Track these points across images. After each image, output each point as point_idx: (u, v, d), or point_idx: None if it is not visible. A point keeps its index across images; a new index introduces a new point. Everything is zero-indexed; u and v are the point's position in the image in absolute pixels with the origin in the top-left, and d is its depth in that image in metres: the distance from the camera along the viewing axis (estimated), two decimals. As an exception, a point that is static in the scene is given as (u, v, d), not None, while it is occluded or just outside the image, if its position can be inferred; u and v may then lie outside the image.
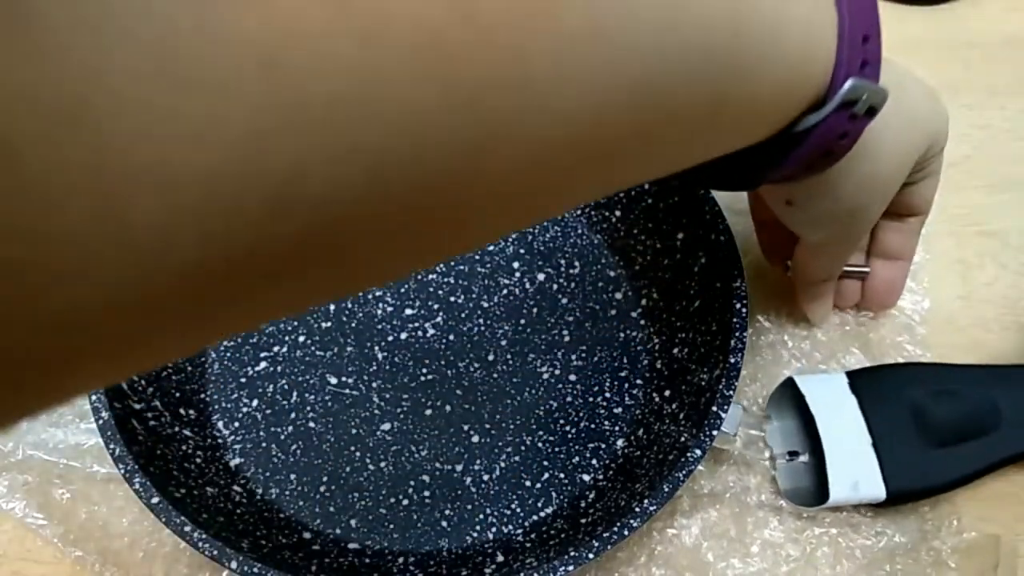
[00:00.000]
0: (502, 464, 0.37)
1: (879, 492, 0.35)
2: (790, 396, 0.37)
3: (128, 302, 0.12)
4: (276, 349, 0.39)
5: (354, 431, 0.37)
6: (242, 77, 0.11)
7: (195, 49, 0.11)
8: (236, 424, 0.37)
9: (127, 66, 0.10)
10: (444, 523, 0.36)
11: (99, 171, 0.10)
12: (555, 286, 0.41)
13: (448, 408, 0.38)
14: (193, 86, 0.11)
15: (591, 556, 0.30)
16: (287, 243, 0.13)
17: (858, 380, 0.37)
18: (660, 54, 0.17)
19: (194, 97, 0.11)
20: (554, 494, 0.36)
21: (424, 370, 0.39)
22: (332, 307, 0.40)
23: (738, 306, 0.35)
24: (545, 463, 0.37)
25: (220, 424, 0.37)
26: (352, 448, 0.37)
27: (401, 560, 0.34)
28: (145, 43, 0.11)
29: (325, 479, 0.36)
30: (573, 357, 0.39)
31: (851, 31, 0.24)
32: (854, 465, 0.35)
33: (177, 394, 0.36)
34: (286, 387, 0.38)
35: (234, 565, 0.29)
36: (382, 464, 0.37)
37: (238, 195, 0.12)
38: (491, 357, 0.39)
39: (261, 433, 0.37)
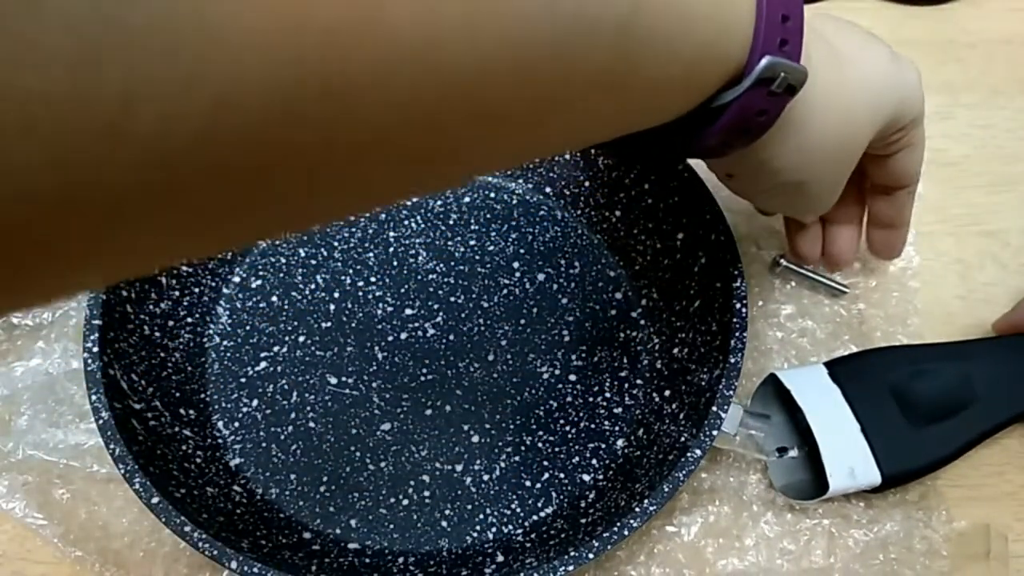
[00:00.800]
0: (502, 464, 0.37)
1: (875, 477, 0.35)
2: (773, 392, 0.37)
3: None
4: (276, 349, 0.39)
5: (354, 431, 0.37)
6: (70, 3, 0.11)
7: None
8: (236, 424, 0.37)
9: None
10: (444, 523, 0.36)
11: None
12: (555, 286, 0.41)
13: (448, 408, 0.38)
14: (15, 5, 0.11)
15: (591, 556, 0.30)
16: (129, 177, 0.13)
17: (837, 368, 0.37)
18: (548, 20, 0.17)
19: (17, 17, 0.11)
20: (554, 494, 0.36)
21: (424, 370, 0.39)
22: (332, 307, 0.40)
23: (738, 306, 0.35)
24: (545, 463, 0.37)
25: (220, 424, 0.37)
26: (352, 448, 0.37)
27: (401, 560, 0.35)
28: None
29: (325, 479, 0.36)
30: (573, 357, 0.39)
31: (769, 10, 0.24)
32: (847, 452, 0.35)
33: (177, 394, 0.36)
34: (286, 387, 0.38)
35: (234, 565, 0.29)
36: (382, 464, 0.37)
37: (78, 121, 0.12)
38: (491, 357, 0.39)
39: (261, 433, 0.37)
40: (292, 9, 0.13)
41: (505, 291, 0.41)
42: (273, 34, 0.13)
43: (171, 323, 0.38)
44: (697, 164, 0.38)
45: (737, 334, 0.34)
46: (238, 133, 0.14)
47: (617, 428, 0.38)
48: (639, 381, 0.39)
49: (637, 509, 0.31)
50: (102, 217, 0.13)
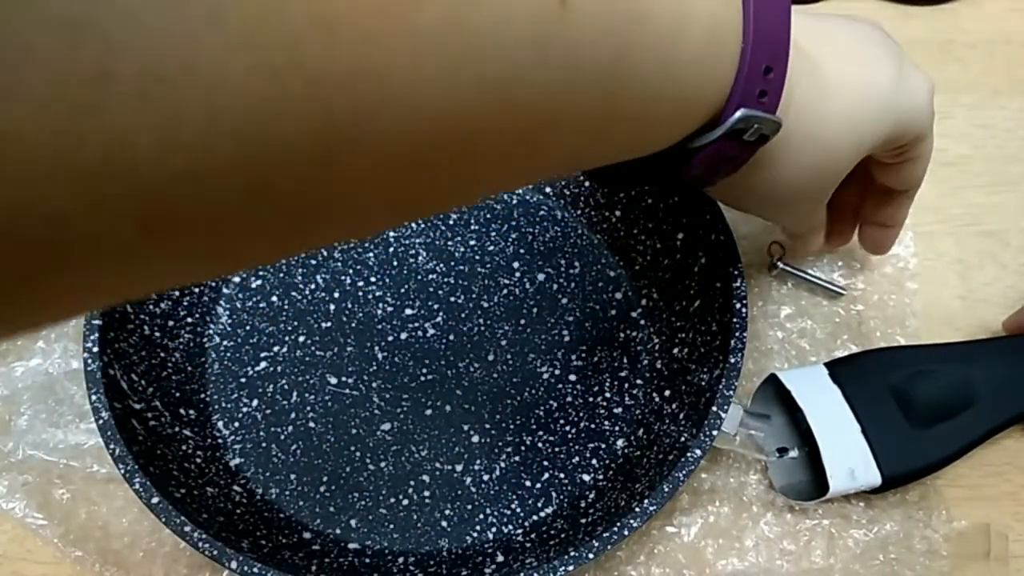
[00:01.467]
0: (502, 464, 0.37)
1: (875, 478, 0.35)
2: (773, 392, 0.37)
3: None
4: (276, 349, 0.39)
5: (354, 431, 0.37)
6: (48, 43, 0.11)
7: None
8: (236, 424, 0.37)
9: None
10: (444, 523, 0.36)
11: None
12: (555, 286, 0.41)
13: (448, 408, 0.38)
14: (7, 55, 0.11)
15: (591, 556, 0.30)
16: (117, 213, 0.13)
17: (837, 369, 0.37)
18: (538, 65, 0.17)
19: (10, 65, 0.11)
20: (554, 494, 0.36)
21: (424, 370, 0.39)
22: (332, 307, 0.40)
23: (738, 306, 0.35)
24: (545, 463, 0.37)
25: (220, 424, 0.37)
26: (352, 448, 0.37)
27: (401, 560, 0.35)
28: None
29: (325, 479, 0.36)
30: (573, 357, 0.39)
31: (752, 62, 0.24)
32: (848, 454, 0.35)
33: (177, 394, 0.36)
34: (286, 387, 0.38)
35: (234, 565, 0.29)
36: (382, 464, 0.37)
37: (52, 163, 0.12)
38: (491, 357, 0.39)
39: (261, 433, 0.37)
40: (275, 56, 0.13)
41: (505, 291, 0.41)
42: (255, 84, 0.13)
43: (171, 323, 0.38)
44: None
45: (737, 334, 0.34)
46: (230, 174, 0.14)
47: (617, 428, 0.38)
48: (639, 381, 0.39)
49: (637, 509, 0.31)
50: (93, 253, 0.13)
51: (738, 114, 0.24)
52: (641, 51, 0.20)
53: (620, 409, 0.38)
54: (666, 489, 0.31)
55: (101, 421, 0.31)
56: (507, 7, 0.16)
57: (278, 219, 0.16)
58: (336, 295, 0.40)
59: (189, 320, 0.38)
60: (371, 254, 0.41)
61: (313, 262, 0.41)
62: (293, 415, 0.37)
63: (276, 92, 0.13)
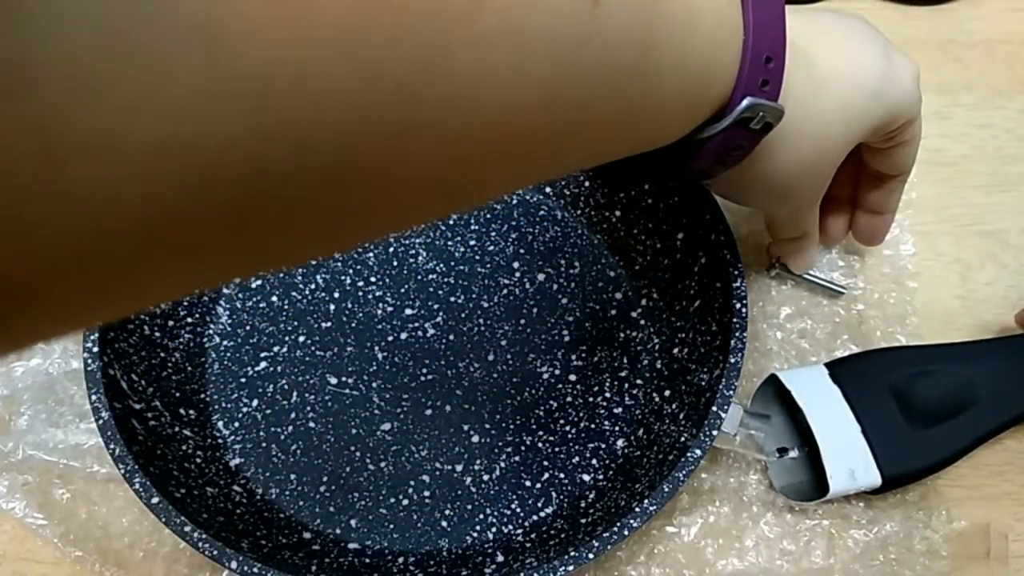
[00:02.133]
0: (502, 464, 0.37)
1: (875, 479, 0.35)
2: (773, 392, 0.37)
3: (68, 257, 0.12)
4: (276, 349, 0.39)
5: (354, 431, 0.37)
6: (186, 54, 0.12)
7: (140, 24, 0.11)
8: (236, 424, 0.37)
9: (72, 34, 0.11)
10: (444, 523, 0.36)
11: (38, 131, 0.11)
12: (555, 286, 0.41)
13: (448, 408, 0.38)
14: (136, 58, 0.11)
15: (591, 556, 0.30)
16: (222, 209, 0.14)
17: (838, 369, 0.37)
18: (575, 62, 0.18)
19: (137, 69, 0.11)
20: (554, 494, 0.36)
21: (424, 370, 0.39)
22: (332, 307, 0.40)
23: (738, 306, 0.35)
24: (545, 463, 0.37)
25: (220, 424, 0.37)
26: (352, 448, 0.37)
27: (401, 560, 0.35)
28: (92, 15, 0.11)
29: (325, 479, 0.36)
30: (573, 357, 0.39)
31: (754, 52, 0.25)
32: (848, 454, 0.35)
33: (177, 394, 0.36)
34: (286, 387, 0.38)
35: (234, 565, 0.29)
36: (382, 464, 0.37)
37: (177, 162, 0.12)
38: (491, 357, 0.39)
39: (261, 433, 0.37)
40: (370, 62, 0.14)
41: (505, 291, 0.41)
42: (352, 87, 0.14)
43: (171, 323, 0.38)
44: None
45: (737, 334, 0.34)
46: (318, 170, 0.14)
47: (617, 428, 0.38)
48: (639, 381, 0.39)
49: (637, 509, 0.31)
50: (188, 244, 0.14)
51: (745, 102, 0.25)
52: (660, 48, 0.21)
53: (620, 409, 0.38)
54: (666, 489, 0.31)
55: (101, 421, 0.31)
56: (554, 8, 0.17)
57: (345, 207, 0.16)
58: (336, 295, 0.40)
59: (189, 320, 0.38)
60: (371, 254, 0.41)
61: (313, 262, 0.41)
62: (293, 415, 0.37)
63: (370, 96, 0.14)
